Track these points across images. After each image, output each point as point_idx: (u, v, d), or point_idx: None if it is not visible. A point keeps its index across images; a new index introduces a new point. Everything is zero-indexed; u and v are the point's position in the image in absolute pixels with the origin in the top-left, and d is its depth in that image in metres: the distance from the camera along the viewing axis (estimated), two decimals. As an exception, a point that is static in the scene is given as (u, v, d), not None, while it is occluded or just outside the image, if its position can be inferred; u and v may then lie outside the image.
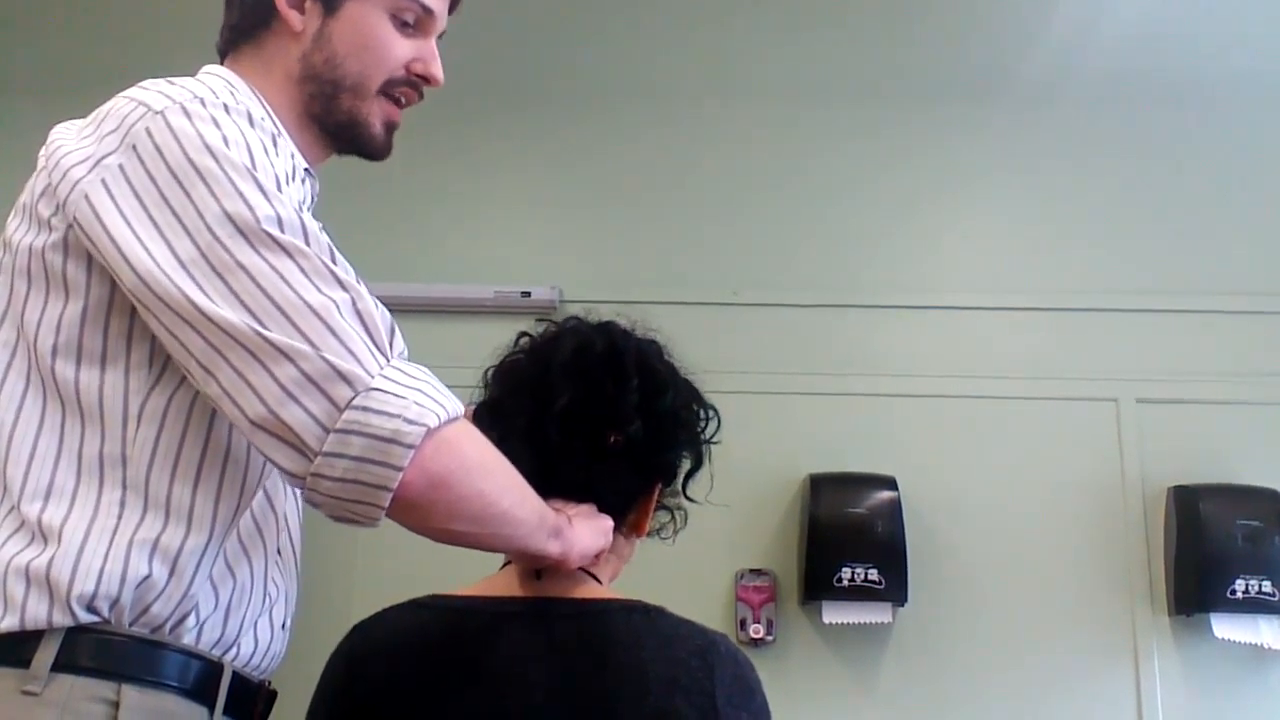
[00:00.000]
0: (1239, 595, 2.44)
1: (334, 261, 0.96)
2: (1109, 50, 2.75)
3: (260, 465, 1.05)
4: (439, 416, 0.92)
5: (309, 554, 2.70)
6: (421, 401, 0.91)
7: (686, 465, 1.17)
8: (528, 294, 2.78)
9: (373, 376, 0.91)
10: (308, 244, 0.95)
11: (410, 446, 0.89)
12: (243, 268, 0.92)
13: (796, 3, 2.75)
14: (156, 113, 0.99)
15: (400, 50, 1.17)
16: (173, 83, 1.03)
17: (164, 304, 0.93)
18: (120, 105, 1.02)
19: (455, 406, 0.95)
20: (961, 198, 2.94)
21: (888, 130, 2.96)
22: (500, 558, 1.15)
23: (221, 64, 1.18)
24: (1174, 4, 2.61)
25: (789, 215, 2.92)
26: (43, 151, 1.04)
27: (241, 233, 0.93)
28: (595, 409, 1.09)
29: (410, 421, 0.90)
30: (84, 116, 1.05)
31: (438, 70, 1.19)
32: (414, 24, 1.18)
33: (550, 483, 1.06)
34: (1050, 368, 2.77)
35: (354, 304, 0.95)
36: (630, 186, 2.97)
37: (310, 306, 0.92)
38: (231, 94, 1.05)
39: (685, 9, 2.78)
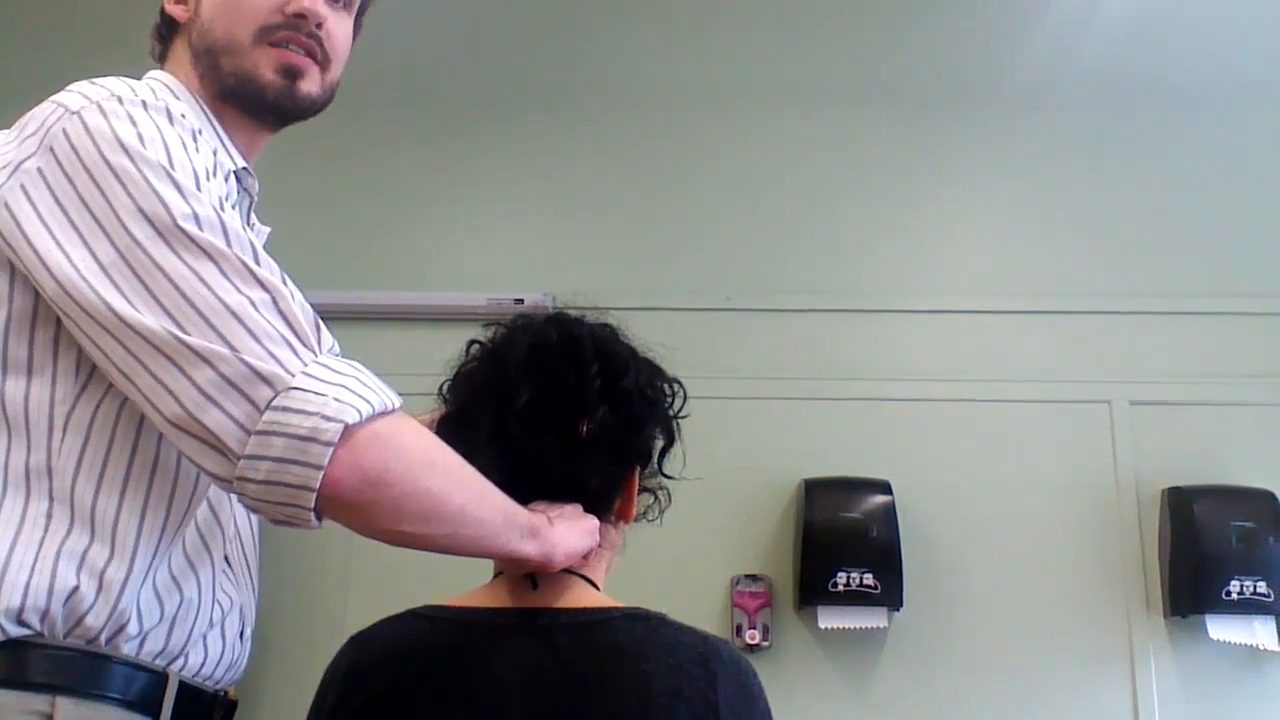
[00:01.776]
0: (1234, 597, 2.44)
1: (255, 260, 0.95)
2: (1102, 52, 2.76)
3: (194, 477, 1.03)
4: (361, 411, 0.89)
5: (305, 563, 2.70)
6: (342, 397, 0.89)
7: (660, 444, 1.16)
8: (520, 301, 2.77)
9: (294, 375, 0.89)
10: (228, 243, 0.94)
11: (328, 444, 0.87)
12: (161, 270, 0.91)
13: (789, 8, 2.76)
14: (73, 113, 0.98)
15: None
16: (94, 83, 1.03)
17: (85, 312, 0.92)
18: (41, 108, 1.02)
19: (385, 400, 0.93)
20: (955, 201, 2.94)
21: (881, 134, 2.96)
22: (492, 564, 1.15)
23: None
24: (1167, 5, 2.62)
25: (782, 220, 2.92)
26: None
27: (159, 233, 0.92)
28: (559, 401, 1.08)
29: (328, 418, 0.88)
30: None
31: (309, 3, 1.16)
32: None
33: (529, 486, 1.04)
34: (1044, 370, 2.77)
35: (274, 302, 0.93)
36: (623, 192, 2.97)
37: (229, 308, 0.91)
38: (152, 92, 1.04)
39: (677, 15, 2.79)
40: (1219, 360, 2.76)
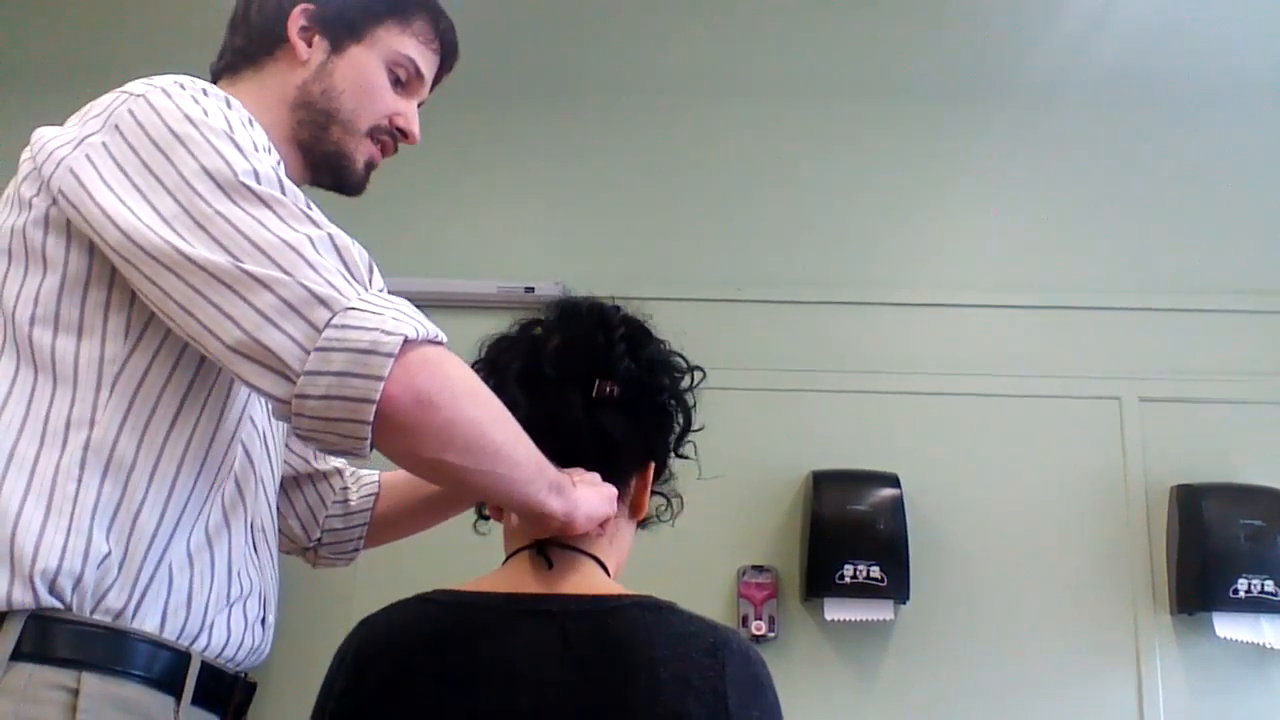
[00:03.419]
0: (1241, 594, 2.44)
1: (309, 208, 1.00)
2: (1112, 50, 2.75)
3: (225, 446, 1.07)
4: (417, 331, 0.93)
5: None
6: (398, 316, 0.93)
7: (678, 428, 1.19)
8: (531, 289, 2.77)
9: (349, 299, 0.93)
10: (283, 193, 0.99)
11: (389, 355, 0.90)
12: (222, 216, 0.96)
13: (802, 0, 2.75)
14: (138, 95, 1.04)
15: (390, 101, 1.29)
16: (154, 77, 1.08)
17: (146, 254, 0.95)
18: (104, 97, 1.07)
19: (435, 330, 0.97)
20: (966, 195, 2.94)
21: (892, 127, 2.95)
22: (502, 549, 1.15)
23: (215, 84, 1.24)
24: (1177, 5, 2.61)
25: (792, 212, 2.92)
26: (26, 150, 1.07)
27: (220, 187, 0.97)
28: (586, 354, 1.13)
29: (387, 332, 0.91)
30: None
31: (416, 129, 1.32)
32: (404, 82, 1.30)
33: (554, 437, 1.07)
34: (1053, 366, 2.77)
35: (330, 238, 0.98)
36: (634, 182, 2.97)
37: (287, 243, 0.95)
38: (211, 83, 1.11)
39: (689, 5, 2.78)
40: (1229, 358, 2.75)
